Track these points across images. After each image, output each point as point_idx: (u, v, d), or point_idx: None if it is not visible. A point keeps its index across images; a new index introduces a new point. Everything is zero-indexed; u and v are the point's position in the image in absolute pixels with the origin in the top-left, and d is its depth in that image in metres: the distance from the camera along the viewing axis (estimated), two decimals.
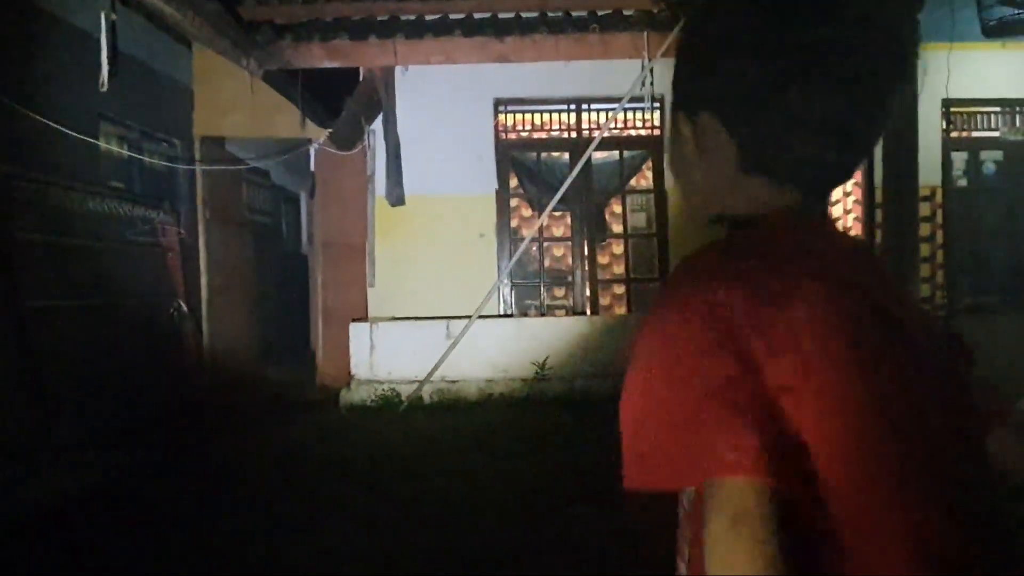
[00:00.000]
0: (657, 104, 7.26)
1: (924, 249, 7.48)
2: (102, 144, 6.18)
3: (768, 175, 0.77)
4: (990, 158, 8.44)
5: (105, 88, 4.74)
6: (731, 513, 0.61)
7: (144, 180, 6.92)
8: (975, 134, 7.88)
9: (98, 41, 4.75)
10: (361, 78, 6.95)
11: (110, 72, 4.89)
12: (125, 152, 6.57)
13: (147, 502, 4.09)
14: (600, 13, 6.32)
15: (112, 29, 4.88)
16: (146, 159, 6.81)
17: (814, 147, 0.74)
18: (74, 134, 5.48)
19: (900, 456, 0.65)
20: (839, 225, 0.77)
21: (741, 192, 0.78)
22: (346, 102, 6.84)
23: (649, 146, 7.59)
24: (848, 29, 0.70)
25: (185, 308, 7.01)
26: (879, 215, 6.31)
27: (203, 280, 7.40)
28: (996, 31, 6.59)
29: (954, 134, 7.76)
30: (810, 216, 0.78)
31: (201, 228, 7.40)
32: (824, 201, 0.80)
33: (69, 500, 4.11)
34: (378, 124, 7.05)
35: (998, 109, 7.76)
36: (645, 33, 6.09)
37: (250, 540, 3.48)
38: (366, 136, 7.28)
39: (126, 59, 6.04)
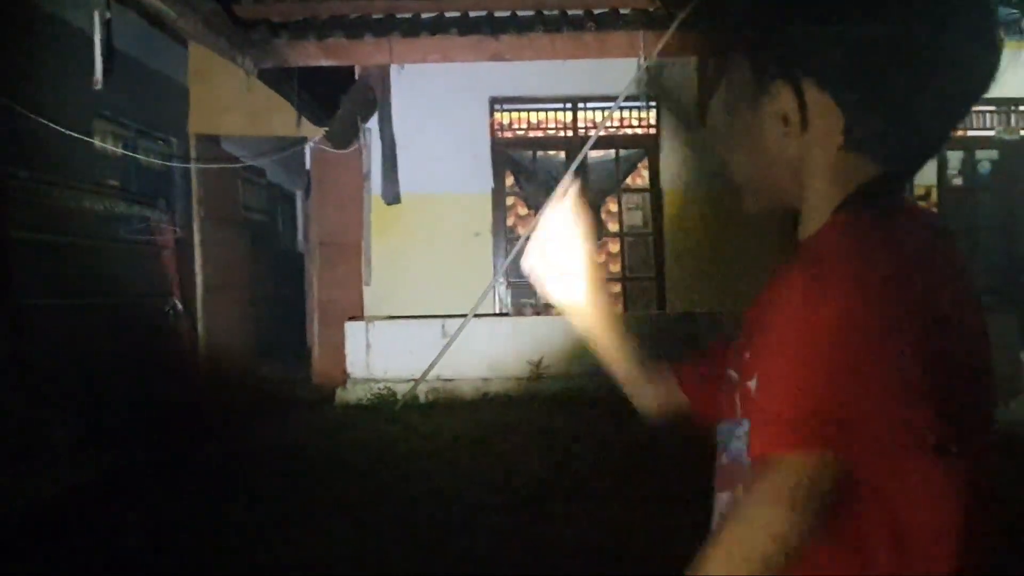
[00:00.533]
0: (653, 103, 7.27)
1: None
2: (97, 142, 6.17)
3: (875, 154, 0.69)
4: (985, 157, 8.46)
5: (99, 86, 4.72)
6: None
7: (139, 178, 6.91)
8: (971, 133, 7.90)
9: (92, 39, 4.73)
10: (357, 76, 6.94)
11: (105, 70, 4.88)
12: (120, 150, 6.56)
13: (142, 501, 4.08)
14: (596, 12, 6.32)
15: (107, 27, 4.86)
16: (141, 157, 6.80)
17: (938, 117, 0.68)
18: (69, 132, 5.46)
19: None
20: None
21: (837, 174, 0.70)
22: (342, 100, 6.82)
23: (645, 145, 7.59)
24: None
25: (180, 306, 7.00)
26: None
27: (198, 278, 7.37)
28: None
29: None
30: (902, 196, 0.73)
31: (196, 226, 7.37)
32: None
33: (64, 500, 4.11)
34: (374, 122, 7.04)
35: (993, 108, 7.77)
36: (641, 32, 6.08)
37: (246, 539, 3.47)
38: (362, 134, 7.26)
39: (121, 57, 6.01)
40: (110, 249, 6.12)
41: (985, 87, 0.68)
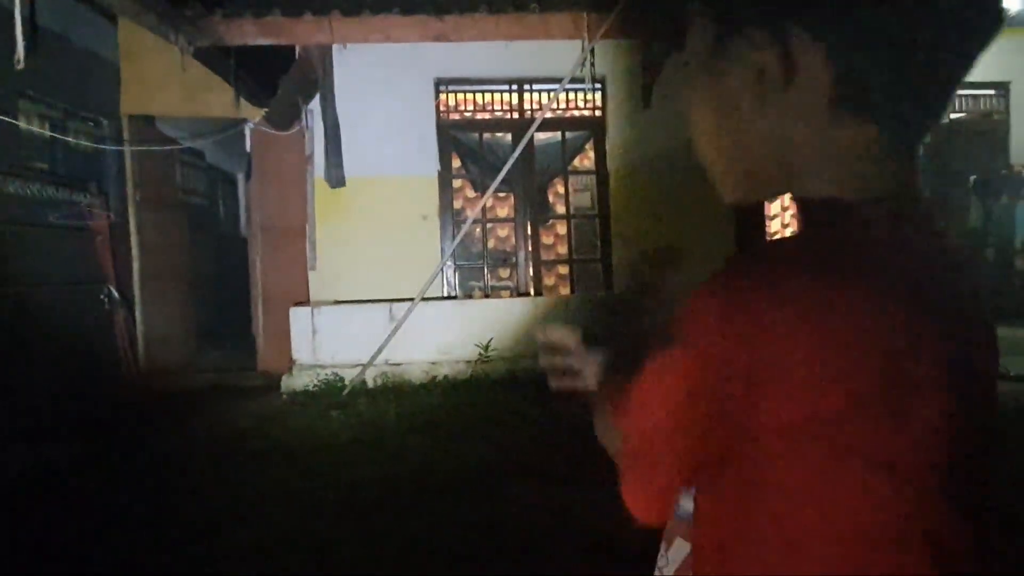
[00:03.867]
0: (599, 85, 7.29)
1: None
2: (22, 124, 5.88)
3: (870, 112, 0.60)
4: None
5: (21, 65, 4.49)
6: None
7: (69, 161, 6.61)
8: None
9: (12, 15, 4.50)
10: (297, 56, 6.76)
11: (28, 48, 4.65)
12: (47, 132, 6.27)
13: (79, 496, 3.96)
14: None
15: (29, 2, 4.63)
16: (70, 139, 6.51)
17: (937, 73, 0.59)
18: None
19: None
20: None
21: (825, 147, 0.62)
22: (282, 80, 6.64)
23: (591, 126, 7.61)
24: None
25: (116, 294, 6.77)
26: None
27: (135, 264, 7.15)
28: None
29: None
30: (910, 202, 0.62)
31: (132, 210, 7.14)
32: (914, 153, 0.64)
33: None
34: (316, 103, 6.89)
35: None
36: (585, 14, 6.08)
37: (188, 531, 3.40)
38: (304, 116, 7.10)
39: (46, 34, 5.75)
40: (38, 235, 5.87)
41: (981, 46, 0.61)
